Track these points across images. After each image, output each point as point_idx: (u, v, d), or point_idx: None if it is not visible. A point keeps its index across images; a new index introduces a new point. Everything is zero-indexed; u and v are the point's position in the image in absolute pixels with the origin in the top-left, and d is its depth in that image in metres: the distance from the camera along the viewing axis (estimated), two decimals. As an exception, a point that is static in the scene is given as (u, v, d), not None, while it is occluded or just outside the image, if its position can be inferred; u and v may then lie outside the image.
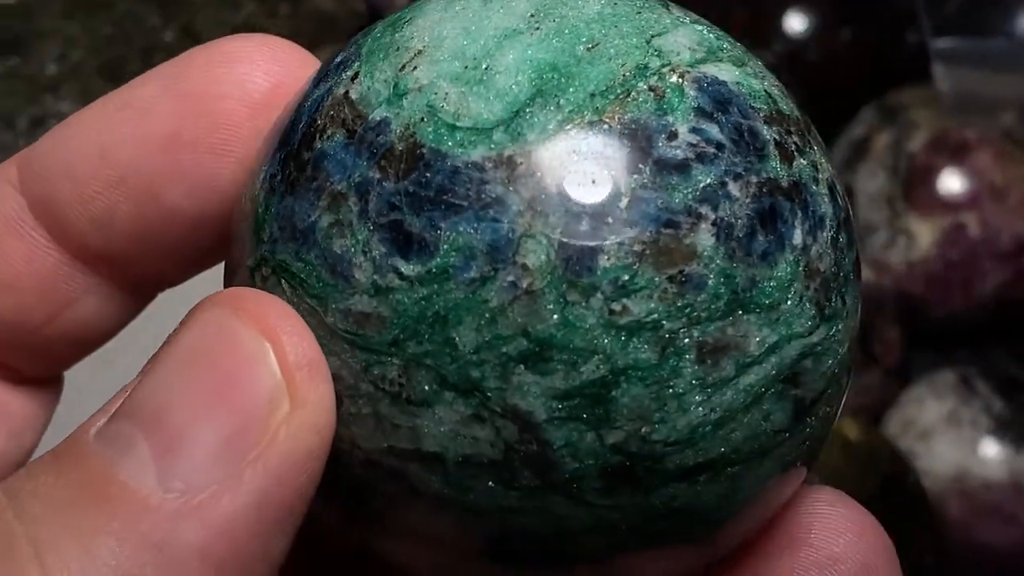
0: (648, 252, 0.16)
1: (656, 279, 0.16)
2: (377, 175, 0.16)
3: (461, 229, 0.16)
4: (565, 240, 0.15)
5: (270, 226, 0.17)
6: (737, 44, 0.18)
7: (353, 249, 0.16)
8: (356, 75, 0.17)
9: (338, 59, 0.18)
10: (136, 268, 0.20)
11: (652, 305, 0.16)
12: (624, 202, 0.16)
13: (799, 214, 0.17)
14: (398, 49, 0.17)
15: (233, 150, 0.19)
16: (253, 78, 0.19)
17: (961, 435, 0.51)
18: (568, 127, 0.16)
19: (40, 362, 0.21)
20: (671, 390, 0.16)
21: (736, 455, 0.16)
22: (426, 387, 0.16)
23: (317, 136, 0.17)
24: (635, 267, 0.15)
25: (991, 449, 0.51)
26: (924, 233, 0.57)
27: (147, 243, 0.20)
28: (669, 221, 0.16)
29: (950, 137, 0.58)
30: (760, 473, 0.17)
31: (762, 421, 0.16)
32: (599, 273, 0.15)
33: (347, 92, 0.17)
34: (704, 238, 0.16)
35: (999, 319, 0.59)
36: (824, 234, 0.17)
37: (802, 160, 0.17)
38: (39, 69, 0.58)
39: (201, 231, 0.20)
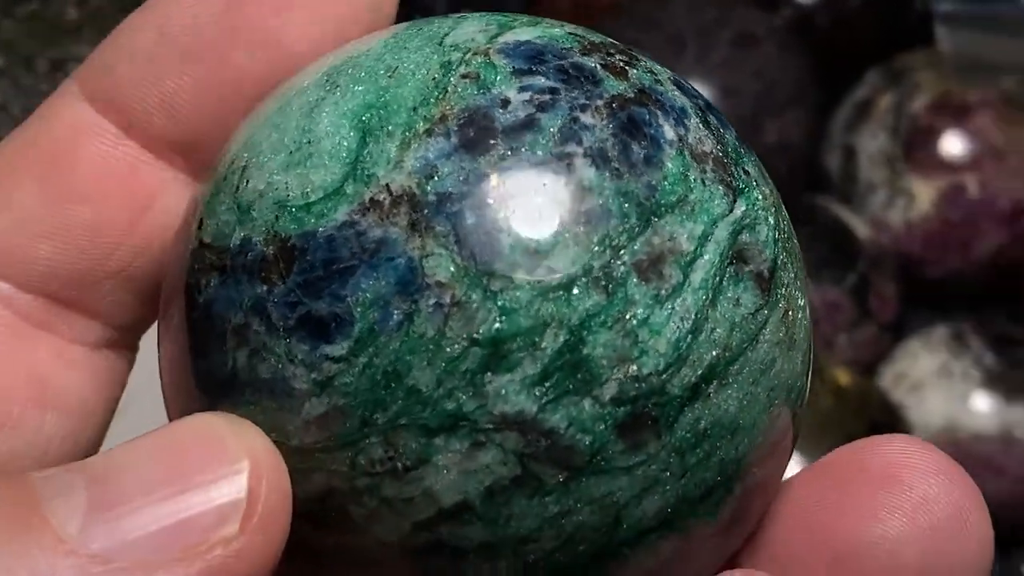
0: (543, 211, 0.16)
1: (562, 230, 0.16)
2: (264, 288, 0.16)
3: (364, 286, 0.15)
4: (461, 239, 0.15)
5: (199, 396, 0.17)
6: (525, 15, 0.18)
7: (279, 365, 0.16)
8: (201, 222, 0.17)
9: (182, 226, 0.18)
10: (209, 151, 0.19)
11: (572, 253, 0.16)
12: (495, 179, 0.16)
13: (658, 113, 0.17)
14: (225, 178, 0.17)
15: (296, 2, 0.19)
16: None
17: (952, 388, 0.52)
18: (409, 146, 0.16)
19: (126, 296, 0.20)
20: (634, 320, 0.15)
21: (729, 351, 0.16)
22: (414, 445, 0.15)
23: (195, 293, 0.17)
24: (540, 212, 0.16)
25: (982, 402, 0.52)
26: (924, 193, 0.58)
27: (217, 116, 0.19)
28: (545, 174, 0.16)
29: (951, 99, 0.58)
30: (760, 361, 0.17)
31: (733, 307, 0.16)
32: (508, 251, 0.15)
33: (200, 240, 0.17)
34: (585, 172, 0.16)
35: (996, 280, 0.60)
36: (692, 121, 0.17)
37: (635, 71, 0.17)
38: (60, 13, 0.59)
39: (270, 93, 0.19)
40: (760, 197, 0.17)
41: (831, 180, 0.62)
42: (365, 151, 0.16)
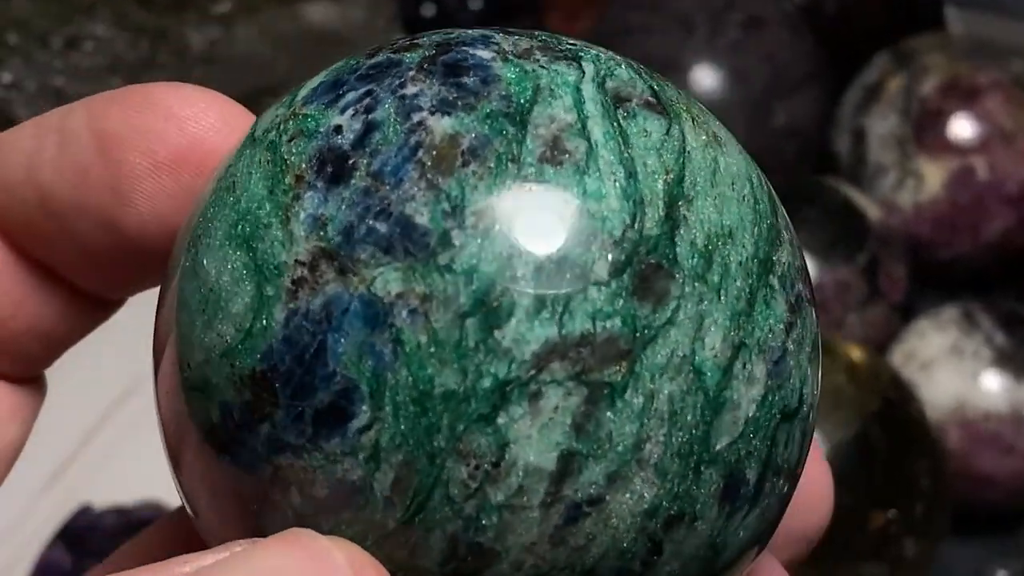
0: (427, 167, 0.16)
1: (462, 177, 0.16)
2: (269, 426, 0.16)
3: (341, 350, 0.15)
4: (387, 248, 0.15)
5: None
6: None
7: (328, 474, 0.16)
8: (194, 417, 0.17)
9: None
10: (77, 280, 0.20)
11: (483, 186, 0.16)
12: (375, 185, 0.16)
13: (463, 48, 0.17)
14: (180, 373, 0.17)
15: (134, 201, 0.19)
16: (167, 133, 0.19)
17: (962, 366, 0.52)
18: (289, 220, 0.16)
19: (12, 362, 0.20)
20: (574, 198, 0.16)
21: (670, 172, 0.16)
22: (484, 440, 0.15)
23: (220, 472, 0.17)
24: (430, 181, 0.16)
25: (992, 381, 0.52)
26: (933, 175, 0.58)
27: (72, 261, 0.20)
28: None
29: (961, 81, 0.59)
30: (702, 167, 0.17)
31: (646, 138, 0.16)
32: (430, 224, 0.15)
33: (197, 432, 0.17)
34: (442, 124, 0.16)
35: (1004, 263, 0.60)
36: (497, 37, 0.18)
37: (423, 39, 0.18)
38: (74, -9, 0.59)
39: (115, 264, 0.19)
40: (599, 53, 0.17)
41: (840, 162, 0.62)
42: (258, 254, 0.16)
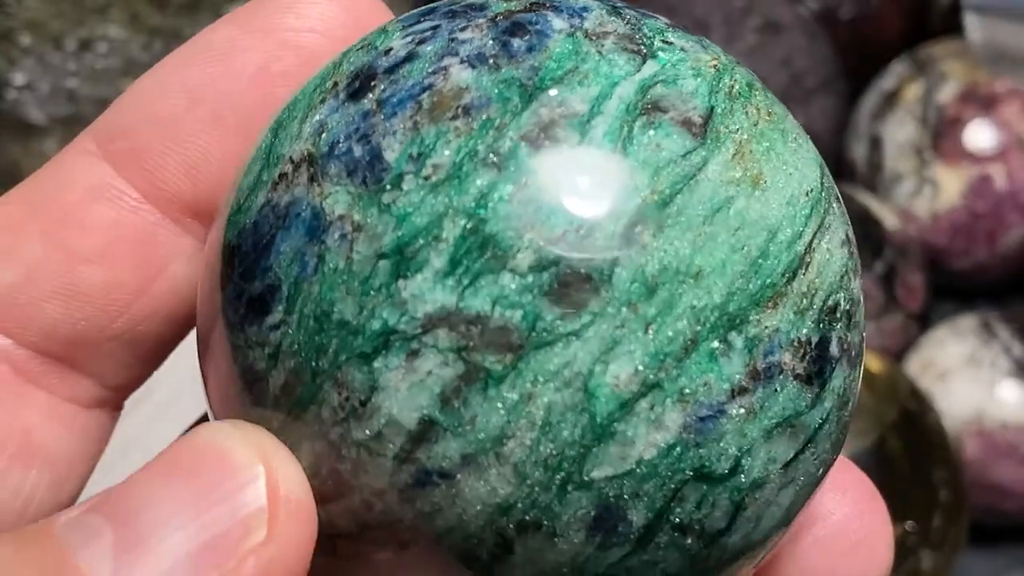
0: (422, 108, 0.16)
1: (443, 128, 0.16)
2: (221, 295, 0.17)
3: (283, 248, 0.16)
4: (351, 171, 0.16)
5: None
6: None
7: (247, 355, 0.16)
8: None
9: None
10: None
11: (455, 145, 0.16)
12: (374, 110, 0.16)
13: (548, 13, 0.17)
14: None
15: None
16: (333, 12, 0.19)
17: (980, 376, 0.52)
18: (307, 119, 0.17)
19: (126, 357, 0.20)
20: (534, 185, 0.16)
21: (658, 194, 0.16)
22: (360, 376, 0.16)
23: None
24: (416, 122, 0.16)
25: (1009, 391, 0.52)
26: (950, 183, 0.58)
27: None
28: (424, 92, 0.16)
29: (980, 89, 0.58)
30: (706, 201, 0.16)
31: (652, 152, 0.16)
32: (393, 164, 0.16)
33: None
34: (460, 76, 0.16)
35: (1022, 272, 0.60)
36: (593, 13, 0.17)
37: None
38: (88, -8, 0.59)
39: None
40: (682, 56, 0.17)
41: (856, 169, 0.62)
42: (276, 140, 0.17)
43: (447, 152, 0.15)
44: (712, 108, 0.16)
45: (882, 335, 0.54)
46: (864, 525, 0.18)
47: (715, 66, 0.17)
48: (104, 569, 0.15)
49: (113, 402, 0.20)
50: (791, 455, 0.16)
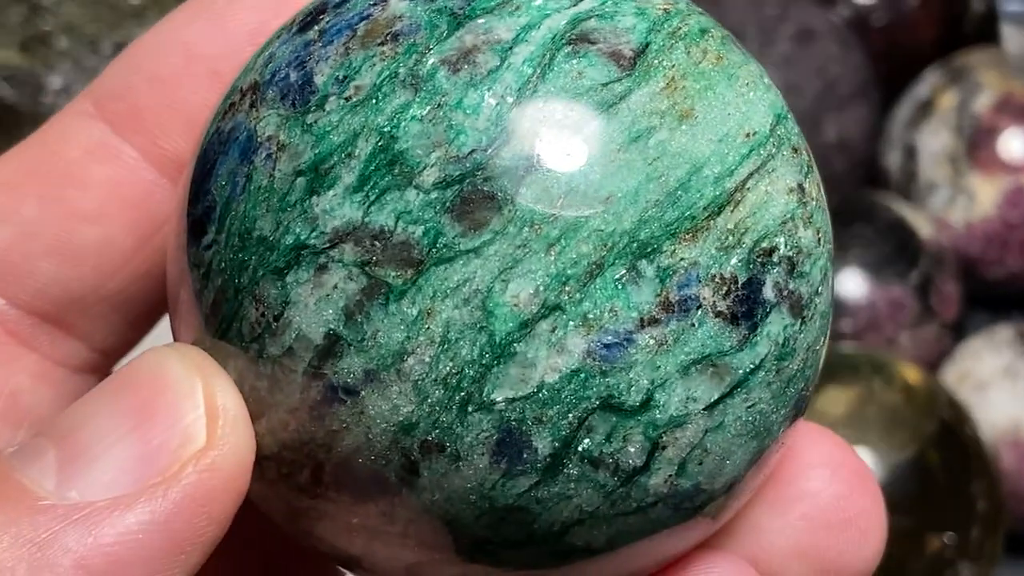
0: (356, 36, 0.16)
1: (369, 53, 0.16)
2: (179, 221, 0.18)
3: (220, 171, 0.17)
4: (284, 95, 0.16)
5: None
6: None
7: (190, 278, 0.17)
8: None
9: None
10: None
11: (377, 68, 0.16)
12: (315, 40, 0.17)
13: None
14: None
15: None
16: None
17: (1017, 388, 0.52)
18: (263, 52, 0.18)
19: (117, 320, 0.20)
20: (445, 106, 0.16)
21: (572, 117, 0.16)
22: (273, 291, 0.16)
23: None
24: (347, 48, 0.16)
25: (1046, 402, 0.52)
26: (985, 193, 0.58)
27: None
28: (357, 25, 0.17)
29: (1015, 99, 0.58)
30: (626, 128, 0.16)
31: (573, 80, 0.16)
32: (320, 88, 0.16)
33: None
34: (398, 6, 0.16)
35: (1056, 282, 0.59)
36: None
37: None
38: (125, -4, 0.59)
39: None
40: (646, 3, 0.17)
41: (890, 178, 0.61)
42: (241, 73, 0.18)
43: (369, 75, 0.16)
44: (648, 44, 0.16)
45: (917, 345, 0.54)
46: (854, 504, 0.18)
47: (665, 9, 0.17)
48: (48, 483, 0.15)
49: (102, 367, 0.20)
50: (714, 396, 0.16)
